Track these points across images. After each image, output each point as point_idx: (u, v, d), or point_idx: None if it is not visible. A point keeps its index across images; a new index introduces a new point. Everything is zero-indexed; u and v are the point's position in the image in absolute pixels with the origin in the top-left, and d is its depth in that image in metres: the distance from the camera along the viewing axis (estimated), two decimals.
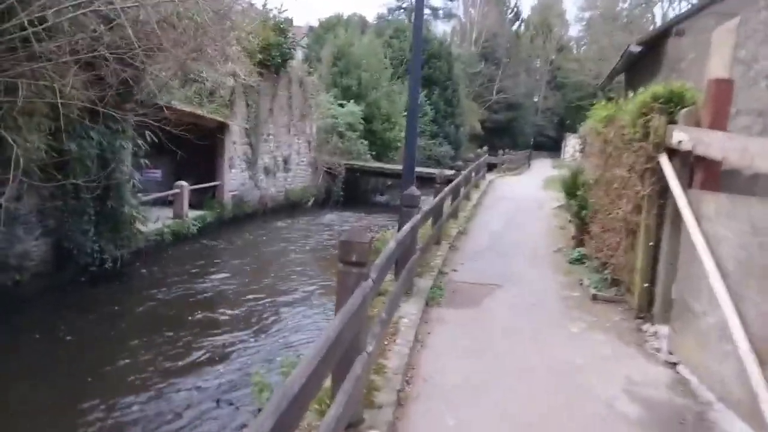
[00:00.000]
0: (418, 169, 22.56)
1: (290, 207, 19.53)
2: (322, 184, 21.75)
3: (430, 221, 8.13)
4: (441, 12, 51.26)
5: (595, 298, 6.65)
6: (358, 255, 3.15)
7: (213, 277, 10.83)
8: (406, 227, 5.35)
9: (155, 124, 9.28)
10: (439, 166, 34.70)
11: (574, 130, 55.31)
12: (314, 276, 11.32)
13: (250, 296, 9.68)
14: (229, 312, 8.88)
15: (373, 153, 25.54)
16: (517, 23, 65.27)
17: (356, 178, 23.88)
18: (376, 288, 3.53)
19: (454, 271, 7.69)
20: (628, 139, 6.19)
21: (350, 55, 26.31)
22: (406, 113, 30.46)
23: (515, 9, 65.00)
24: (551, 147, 60.83)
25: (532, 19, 65.91)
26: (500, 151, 27.82)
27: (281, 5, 17.34)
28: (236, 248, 13.71)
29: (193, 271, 11.13)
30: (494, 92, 52.35)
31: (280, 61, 17.49)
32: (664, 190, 5.68)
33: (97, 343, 7.48)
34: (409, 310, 5.68)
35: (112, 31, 8.02)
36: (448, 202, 10.36)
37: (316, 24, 39.15)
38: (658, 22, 48.45)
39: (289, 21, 18.11)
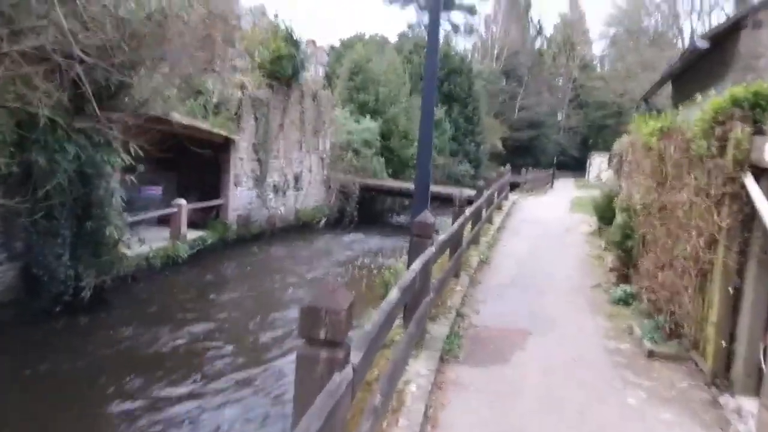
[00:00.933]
0: (434, 188, 21.34)
1: (300, 227, 18.47)
2: (335, 204, 20.68)
3: (447, 251, 6.95)
4: (462, 27, 50.30)
5: (651, 354, 5.34)
6: (331, 330, 1.99)
7: (191, 325, 8.89)
8: (416, 265, 4.18)
9: (139, 137, 8.22)
10: (459, 186, 33.56)
11: (598, 149, 53.96)
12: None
13: (223, 353, 7.94)
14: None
15: (390, 171, 24.49)
16: (540, 40, 64.34)
17: (372, 197, 22.79)
18: (360, 379, 2.34)
19: (476, 312, 6.45)
20: (698, 156, 4.95)
21: (368, 71, 25.43)
22: None
23: (538, 26, 64.22)
24: (574, 166, 59.33)
25: (554, 37, 64.93)
26: (523, 170, 26.52)
27: (291, 18, 16.49)
28: (232, 278, 12.51)
29: (172, 308, 9.77)
30: (516, 110, 51.17)
31: (291, 73, 16.59)
32: (748, 220, 4.43)
33: (48, 390, 6.38)
34: (419, 370, 4.47)
35: (89, 31, 7.09)
36: (468, 227, 9.17)
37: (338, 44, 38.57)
38: (686, 38, 47.13)
39: (300, 38, 17.22)
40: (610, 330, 6.16)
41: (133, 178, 9.35)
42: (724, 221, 4.53)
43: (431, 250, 4.84)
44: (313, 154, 19.61)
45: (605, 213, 12.87)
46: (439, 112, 33.00)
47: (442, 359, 4.89)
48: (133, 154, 8.73)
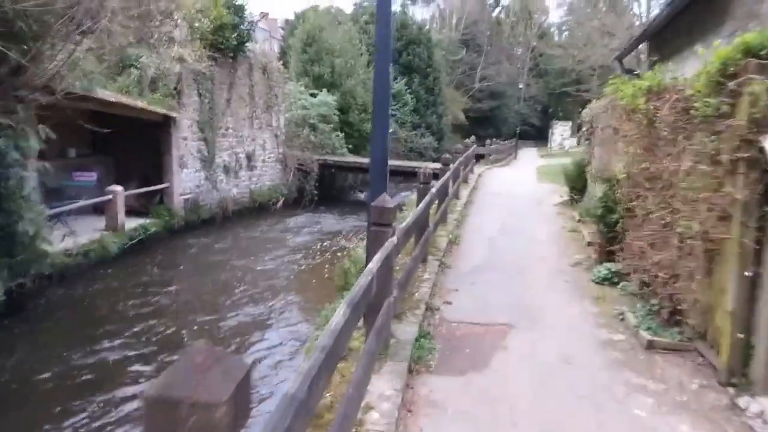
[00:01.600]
0: (397, 163, 20.37)
1: (257, 209, 17.33)
2: (293, 183, 19.56)
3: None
4: None
5: (650, 345, 4.64)
6: None
7: (102, 342, 7.13)
8: (373, 265, 3.29)
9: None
10: (422, 159, 32.77)
11: (558, 118, 53.96)
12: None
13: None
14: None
15: (350, 146, 23.42)
16: (498, 9, 63.42)
17: (332, 174, 21.74)
18: None
19: (447, 303, 5.65)
20: (702, 116, 4.17)
21: (322, 42, 24.07)
22: None
23: None
24: (535, 135, 59.57)
25: (512, 6, 64.22)
26: (487, 141, 25.87)
27: None
28: (172, 274, 10.78)
29: (87, 317, 8.12)
30: (477, 80, 50.46)
31: (235, 43, 15.24)
32: None
33: None
34: (383, 390, 3.63)
35: None
36: (434, 206, 8.35)
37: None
38: (643, 3, 47.08)
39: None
40: (600, 316, 5.45)
41: (47, 164, 8.08)
42: (739, 192, 3.79)
43: (392, 241, 3.95)
44: (266, 131, 18.37)
45: (576, 183, 12.28)
46: (400, 83, 31.98)
47: (410, 370, 4.07)
48: (48, 138, 7.48)
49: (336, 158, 20.85)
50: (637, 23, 46.05)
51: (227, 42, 14.98)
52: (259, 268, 11.19)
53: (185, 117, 13.98)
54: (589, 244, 8.50)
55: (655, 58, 8.14)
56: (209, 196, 15.10)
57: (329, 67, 23.57)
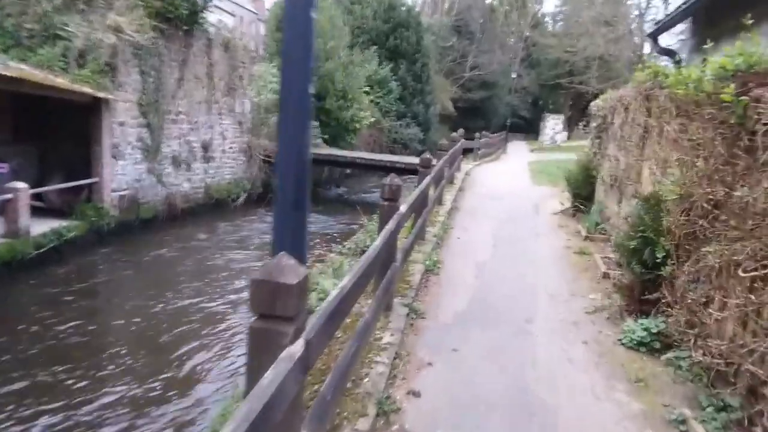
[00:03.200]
0: (377, 156, 18.31)
1: (213, 206, 15.22)
2: (258, 176, 17.44)
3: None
4: None
5: None
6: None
7: None
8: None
9: None
10: (407, 152, 30.69)
11: (549, 110, 52.06)
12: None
13: None
14: None
15: (327, 137, 21.30)
16: None
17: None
18: None
19: (413, 395, 3.65)
20: None
21: None
22: (368, 88, 26.22)
23: None
24: (525, 128, 58.05)
25: None
26: (476, 134, 23.87)
27: None
28: (76, 299, 8.35)
29: None
30: (467, 69, 48.33)
31: (188, 13, 13.03)
32: None
33: None
34: None
35: None
36: (410, 220, 6.35)
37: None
38: None
39: None
40: (646, 421, 3.50)
41: None
42: None
43: (315, 324, 1.94)
44: (227, 118, 16.18)
45: (581, 188, 10.33)
46: (385, 69, 29.82)
47: None
48: None
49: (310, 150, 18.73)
50: (636, 13, 44.32)
51: (177, 11, 12.76)
52: (179, 304, 8.84)
53: (122, 98, 11.78)
54: (606, 276, 6.57)
55: (708, 37, 6.15)
56: (152, 191, 12.95)
57: None
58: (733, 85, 3.35)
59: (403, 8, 32.74)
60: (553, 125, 42.68)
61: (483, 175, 16.69)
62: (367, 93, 26.64)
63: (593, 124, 9.99)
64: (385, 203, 4.67)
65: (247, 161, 17.41)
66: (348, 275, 2.82)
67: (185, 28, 13.48)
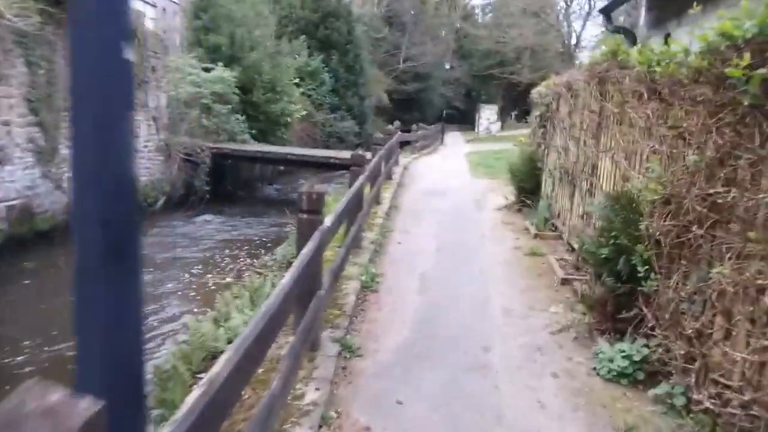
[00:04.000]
0: (310, 152, 17.17)
1: None
2: (179, 177, 15.89)
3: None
4: None
5: None
6: None
7: None
8: None
9: None
10: (343, 145, 29.57)
11: (482, 101, 52.40)
12: None
13: None
14: None
15: (254, 132, 19.88)
16: None
17: (231, 165, 18.20)
18: None
19: None
20: None
21: (219, 6, 20.18)
22: (298, 80, 24.88)
23: None
24: (459, 119, 58.32)
25: None
26: (413, 127, 23.12)
27: None
28: None
29: None
30: (401, 61, 47.67)
31: None
32: None
33: None
34: None
35: None
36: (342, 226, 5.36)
37: None
38: None
39: None
40: None
41: None
42: None
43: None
44: (139, 114, 14.55)
45: (526, 181, 9.70)
46: (316, 60, 28.58)
47: None
48: None
49: (235, 146, 17.29)
50: (561, 4, 45.09)
51: None
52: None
53: (4, 94, 10.08)
54: (565, 282, 5.86)
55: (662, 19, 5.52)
56: (50, 200, 11.28)
57: (228, 38, 19.77)
58: (747, 55, 2.57)
59: None
60: (488, 115, 42.79)
61: (422, 169, 15.92)
62: (297, 85, 25.34)
63: (536, 113, 9.36)
64: (305, 216, 3.65)
65: (164, 161, 15.81)
66: (229, 351, 1.80)
67: None
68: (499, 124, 44.24)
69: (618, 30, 7.14)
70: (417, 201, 10.62)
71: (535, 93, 9.96)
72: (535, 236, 7.85)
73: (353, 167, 6.95)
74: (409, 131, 24.78)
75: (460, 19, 60.37)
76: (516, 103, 59.08)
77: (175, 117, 16.26)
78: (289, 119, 21.58)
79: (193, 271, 10.12)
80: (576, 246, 6.12)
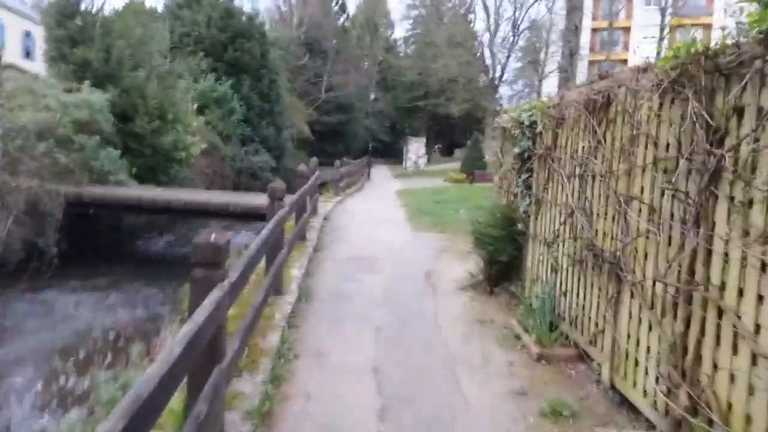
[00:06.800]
0: (202, 197, 13.35)
1: None
2: (15, 235, 11.62)
3: None
4: None
5: None
6: None
7: None
8: None
9: None
10: (256, 181, 25.78)
11: (406, 133, 50.36)
12: None
13: None
14: None
15: (138, 170, 15.84)
16: (344, 17, 58.72)
17: (99, 214, 14.04)
18: None
19: None
20: None
21: (89, 14, 16.20)
22: (197, 105, 21.00)
23: (340, 1, 58.26)
24: (384, 152, 56.40)
25: (357, 16, 60.85)
26: (336, 162, 19.88)
27: None
28: None
29: None
30: (323, 90, 44.71)
31: None
32: None
33: None
34: None
35: None
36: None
37: None
38: (482, 15, 45.04)
39: None
40: None
41: None
42: None
43: None
44: None
45: (500, 250, 6.58)
46: (224, 85, 24.90)
47: None
48: None
49: (100, 191, 13.18)
50: (485, 35, 44.14)
51: None
52: None
53: None
54: None
55: None
56: None
57: (103, 52, 15.77)
58: None
59: (242, 15, 28.07)
60: (416, 149, 40.52)
61: (347, 219, 12.58)
62: (200, 113, 21.55)
63: (515, 150, 6.33)
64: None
65: None
66: None
67: None
68: (426, 158, 42.12)
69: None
70: (340, 279, 7.22)
71: (506, 120, 6.98)
72: (539, 358, 4.68)
73: (208, 267, 3.50)
74: (332, 165, 21.56)
75: (383, 51, 58.83)
76: (439, 136, 57.87)
77: (14, 152, 12.05)
78: (184, 153, 17.66)
79: None
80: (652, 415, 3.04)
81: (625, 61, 46.79)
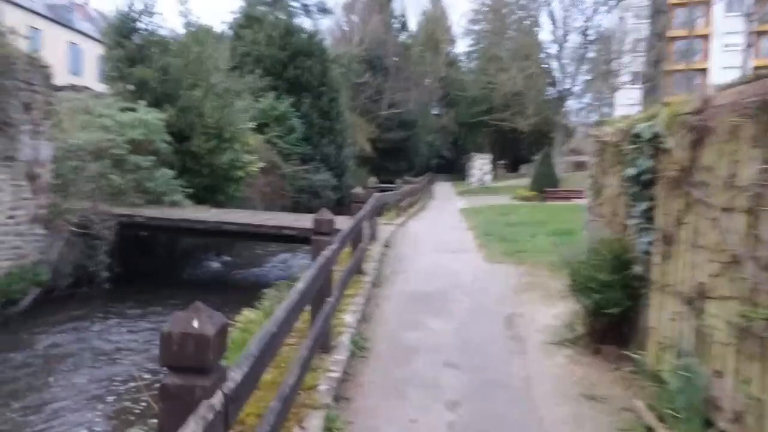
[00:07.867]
0: (254, 219, 12.36)
1: None
2: (68, 257, 11.21)
3: None
4: (313, 8, 41.54)
5: None
6: None
7: None
8: None
9: None
10: (318, 201, 25.05)
11: (470, 150, 48.71)
12: None
13: None
14: None
15: (196, 190, 15.35)
16: (405, 35, 58.14)
17: (164, 235, 13.55)
18: None
19: None
20: None
21: (147, 33, 16.03)
22: (255, 123, 20.48)
23: (401, 19, 57.78)
24: (447, 168, 55.29)
25: (419, 34, 60.39)
26: (397, 181, 18.76)
27: None
28: None
29: None
30: (385, 107, 44.01)
31: None
32: None
33: None
34: None
35: None
36: None
37: None
38: (548, 26, 42.87)
39: None
40: None
41: None
42: None
43: None
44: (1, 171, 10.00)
45: (610, 300, 5.09)
46: (284, 104, 24.52)
47: None
48: None
49: (152, 213, 12.62)
50: (553, 46, 42.02)
51: None
52: None
53: None
54: None
55: None
56: None
57: (160, 71, 15.51)
58: None
59: (304, 35, 27.78)
60: (480, 165, 38.94)
61: (409, 246, 11.36)
62: (260, 131, 21.12)
63: (628, 171, 4.93)
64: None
65: (48, 235, 11.15)
66: None
67: None
68: (491, 174, 40.42)
69: None
70: (402, 324, 5.99)
71: (610, 134, 5.58)
72: None
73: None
74: (392, 183, 20.45)
75: (445, 66, 57.78)
76: (504, 152, 55.82)
77: (67, 173, 11.70)
78: (241, 173, 17.12)
79: None
80: None
81: (704, 71, 43.49)
